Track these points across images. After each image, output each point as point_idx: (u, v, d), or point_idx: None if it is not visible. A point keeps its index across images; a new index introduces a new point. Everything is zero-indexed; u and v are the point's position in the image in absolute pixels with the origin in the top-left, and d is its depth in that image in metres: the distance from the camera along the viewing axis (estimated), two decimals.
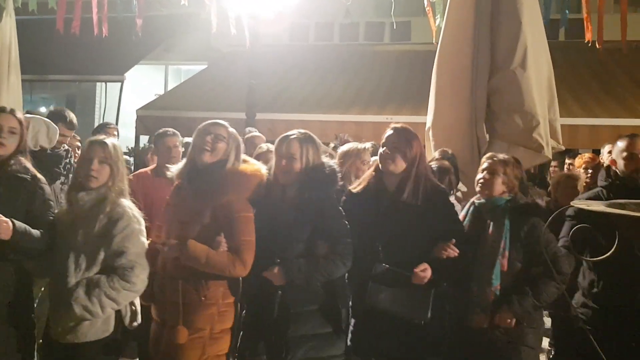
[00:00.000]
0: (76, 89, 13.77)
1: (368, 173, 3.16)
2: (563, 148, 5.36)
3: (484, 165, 3.18)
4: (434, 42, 6.54)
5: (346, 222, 2.89)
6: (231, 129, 2.95)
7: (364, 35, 13.45)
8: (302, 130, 2.98)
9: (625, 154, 3.32)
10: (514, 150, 4.84)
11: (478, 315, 2.97)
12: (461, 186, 4.72)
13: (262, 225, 2.83)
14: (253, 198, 2.86)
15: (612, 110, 8.86)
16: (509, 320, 2.92)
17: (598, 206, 1.81)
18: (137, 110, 10.03)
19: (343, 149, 4.13)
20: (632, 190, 3.19)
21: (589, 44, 6.27)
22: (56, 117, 4.23)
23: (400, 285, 2.79)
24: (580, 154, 6.28)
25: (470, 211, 3.23)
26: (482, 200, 3.17)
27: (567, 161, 6.20)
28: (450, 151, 4.70)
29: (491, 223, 3.06)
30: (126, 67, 11.83)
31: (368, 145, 4.21)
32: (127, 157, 6.06)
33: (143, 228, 2.88)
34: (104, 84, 12.84)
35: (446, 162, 4.19)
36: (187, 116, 9.21)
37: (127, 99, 11.66)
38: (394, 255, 2.85)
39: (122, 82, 11.66)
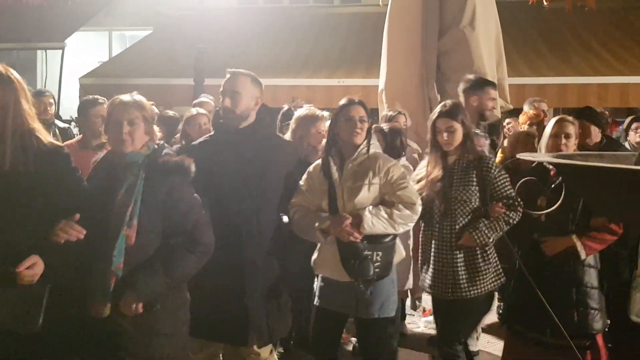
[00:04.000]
0: (15, 57, 13.09)
1: None
2: (511, 107, 5.45)
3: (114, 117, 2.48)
4: (380, 3, 6.49)
5: None
6: None
7: None
8: None
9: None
10: None
11: (97, 302, 2.33)
12: (417, 147, 4.72)
13: None
14: None
15: (558, 68, 9.06)
16: (134, 306, 2.33)
17: (544, 157, 1.79)
18: (80, 79, 9.62)
19: (300, 113, 3.93)
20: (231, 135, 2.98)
21: (535, 3, 6.35)
22: None
23: (4, 286, 2.12)
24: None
25: (98, 171, 2.56)
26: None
27: (507, 120, 6.24)
28: (397, 111, 4.69)
29: (123, 185, 2.40)
30: (66, 33, 11.29)
31: (326, 114, 4.06)
32: (67, 125, 5.76)
33: None
34: (44, 52, 12.25)
35: (397, 124, 4.19)
36: (132, 83, 8.87)
37: (70, 67, 11.18)
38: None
39: (63, 49, 11.15)
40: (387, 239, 2.89)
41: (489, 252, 3.12)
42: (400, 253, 3.01)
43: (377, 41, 5.50)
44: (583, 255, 3.06)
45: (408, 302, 4.68)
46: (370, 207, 2.84)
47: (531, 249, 3.20)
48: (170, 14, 12.33)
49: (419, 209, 2.92)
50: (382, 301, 2.95)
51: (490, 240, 3.06)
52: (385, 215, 2.84)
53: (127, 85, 8.95)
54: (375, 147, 3.02)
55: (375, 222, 2.81)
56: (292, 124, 3.85)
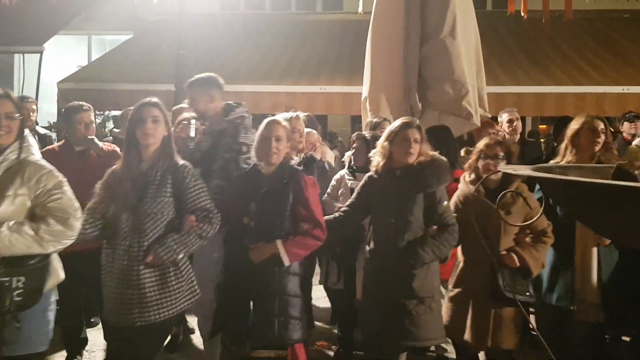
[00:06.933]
0: None
1: None
2: (489, 116, 5.51)
3: None
4: (360, 11, 6.52)
5: None
6: None
7: (296, 4, 13.27)
8: None
9: None
10: (445, 119, 4.94)
11: None
12: None
13: None
14: None
15: (536, 78, 9.20)
16: None
17: (525, 170, 1.81)
18: (58, 83, 9.50)
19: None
20: None
21: (514, 14, 6.44)
22: None
23: None
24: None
25: None
26: None
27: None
28: (382, 118, 4.71)
29: None
30: (45, 37, 11.16)
31: (302, 115, 4.11)
32: (48, 131, 5.73)
33: None
34: (22, 55, 12.09)
35: (379, 132, 4.20)
36: (112, 88, 8.83)
37: (48, 71, 11.04)
38: None
39: (41, 53, 11.01)
40: (34, 261, 2.45)
41: (182, 269, 2.79)
42: (56, 276, 2.59)
43: (359, 48, 5.52)
44: (286, 262, 2.97)
45: None
46: (11, 223, 2.38)
47: (240, 256, 3.06)
48: (150, 18, 12.26)
49: (76, 224, 2.53)
50: (30, 335, 2.50)
51: (181, 256, 2.75)
52: (31, 232, 2.39)
53: (106, 90, 8.86)
54: (28, 151, 2.57)
55: (14, 241, 2.36)
56: None
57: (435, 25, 4.95)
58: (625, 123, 5.75)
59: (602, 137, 3.46)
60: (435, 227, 3.15)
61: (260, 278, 3.00)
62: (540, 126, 11.51)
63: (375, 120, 4.64)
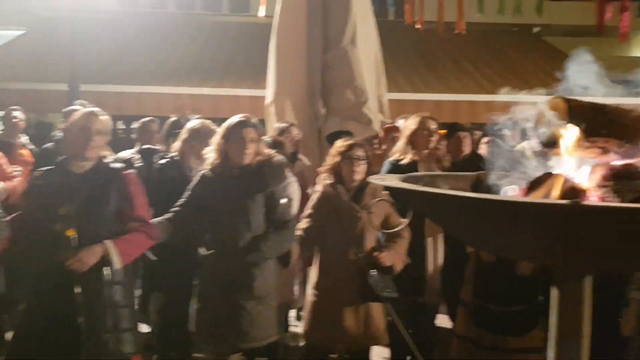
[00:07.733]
0: None
1: None
2: (389, 121, 5.70)
3: None
4: (259, 15, 6.54)
5: None
6: None
7: (202, 5, 13.04)
8: None
9: None
10: (347, 124, 5.08)
11: None
12: (307, 161, 4.77)
13: None
14: None
15: (434, 86, 9.67)
16: None
17: (392, 181, 1.79)
18: None
19: (194, 125, 3.75)
20: None
21: (412, 24, 6.74)
22: None
23: None
24: None
25: None
26: None
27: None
28: (290, 123, 4.73)
29: None
30: None
31: (218, 129, 3.98)
32: None
33: None
34: None
35: (280, 137, 4.24)
36: (0, 87, 8.24)
37: None
38: None
39: None
40: None
41: None
42: None
43: (266, 51, 5.52)
44: (117, 264, 2.67)
45: (292, 313, 4.71)
46: None
47: (57, 270, 2.60)
48: (44, 14, 11.56)
49: None
50: None
51: None
52: None
53: None
54: None
55: None
56: (183, 133, 3.75)
57: (337, 34, 5.09)
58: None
59: (435, 135, 3.83)
60: (274, 225, 3.11)
61: (85, 292, 2.63)
62: (438, 132, 12.09)
63: (283, 125, 4.64)
